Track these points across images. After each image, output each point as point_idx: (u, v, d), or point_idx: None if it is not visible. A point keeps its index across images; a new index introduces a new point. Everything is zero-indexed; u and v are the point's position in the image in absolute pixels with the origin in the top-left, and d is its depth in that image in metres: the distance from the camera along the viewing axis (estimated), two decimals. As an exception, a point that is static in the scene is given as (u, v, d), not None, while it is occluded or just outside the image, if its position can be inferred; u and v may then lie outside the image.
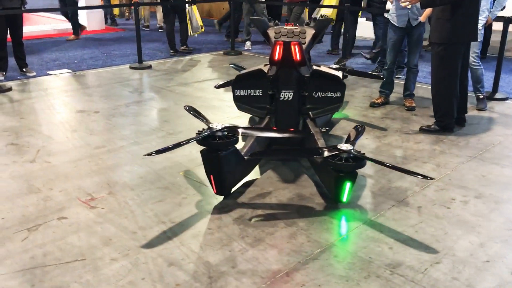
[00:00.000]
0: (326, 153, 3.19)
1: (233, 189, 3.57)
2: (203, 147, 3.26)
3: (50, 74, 7.05)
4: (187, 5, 8.56)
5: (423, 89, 6.27)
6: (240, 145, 3.50)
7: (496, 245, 2.94)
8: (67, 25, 10.24)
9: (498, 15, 5.86)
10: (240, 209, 3.32)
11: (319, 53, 8.94)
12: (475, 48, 5.37)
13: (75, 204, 3.37)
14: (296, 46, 3.93)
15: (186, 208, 3.34)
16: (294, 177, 3.84)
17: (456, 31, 4.45)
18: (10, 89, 6.18)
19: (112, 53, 8.70)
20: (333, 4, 8.77)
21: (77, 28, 9.83)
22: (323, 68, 4.63)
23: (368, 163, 3.28)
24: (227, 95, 5.81)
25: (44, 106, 5.58)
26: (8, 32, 6.53)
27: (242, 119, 5.10)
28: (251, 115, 4.94)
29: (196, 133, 3.26)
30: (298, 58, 3.95)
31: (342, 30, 8.42)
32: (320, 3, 9.12)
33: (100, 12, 11.40)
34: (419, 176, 3.05)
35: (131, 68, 7.51)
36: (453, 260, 2.80)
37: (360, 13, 10.52)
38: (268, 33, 4.64)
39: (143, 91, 6.36)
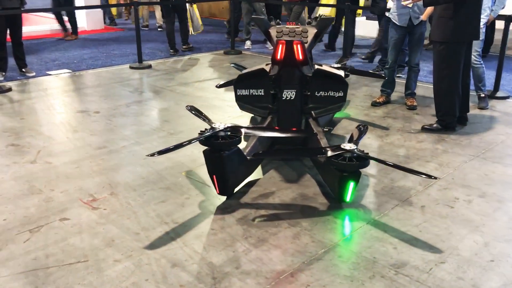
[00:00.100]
0: (329, 153, 3.18)
1: (236, 189, 3.55)
2: (205, 147, 3.25)
3: (50, 74, 7.03)
4: (187, 4, 8.55)
5: (424, 88, 6.26)
6: (242, 145, 3.49)
7: (501, 245, 2.93)
8: (66, 25, 10.20)
9: (499, 13, 5.85)
10: (243, 210, 3.31)
11: (316, 51, 8.91)
12: (476, 47, 5.35)
13: (77, 205, 3.36)
14: (299, 46, 3.91)
15: (188, 208, 3.32)
16: (297, 177, 3.82)
17: (458, 30, 4.43)
18: (10, 89, 6.16)
19: (112, 52, 8.67)
20: (332, 3, 8.76)
21: (76, 27, 9.79)
22: (325, 68, 4.61)
23: (371, 162, 3.26)
24: (228, 95, 5.80)
25: (44, 106, 5.56)
26: (8, 32, 6.51)
27: (243, 118, 5.09)
28: (252, 115, 4.92)
29: (199, 133, 3.24)
30: (301, 57, 3.93)
31: (342, 29, 8.41)
32: (319, 2, 9.10)
33: (99, 12, 11.37)
34: (423, 176, 3.03)
35: (131, 67, 7.49)
36: (457, 259, 2.78)
37: (361, 12, 10.50)
38: (270, 33, 4.62)
39: (143, 91, 6.34)
